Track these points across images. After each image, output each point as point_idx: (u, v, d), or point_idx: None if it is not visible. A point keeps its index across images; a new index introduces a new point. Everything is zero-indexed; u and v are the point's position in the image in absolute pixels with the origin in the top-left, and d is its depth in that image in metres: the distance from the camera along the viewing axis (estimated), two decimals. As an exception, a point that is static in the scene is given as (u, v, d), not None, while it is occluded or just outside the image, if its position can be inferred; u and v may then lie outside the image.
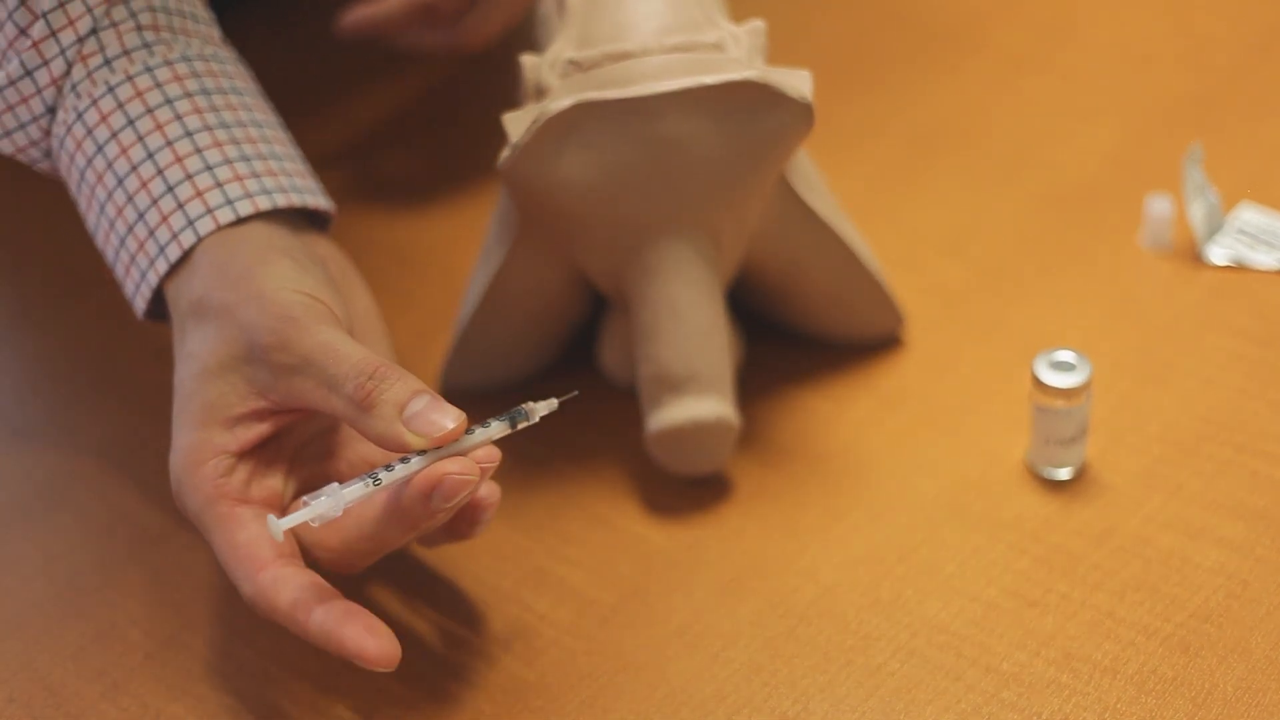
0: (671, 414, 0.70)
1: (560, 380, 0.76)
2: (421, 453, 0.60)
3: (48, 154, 0.69)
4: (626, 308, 0.73)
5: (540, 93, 0.70)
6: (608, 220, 0.69)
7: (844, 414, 0.76)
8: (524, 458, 0.75)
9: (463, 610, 0.69)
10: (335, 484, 0.60)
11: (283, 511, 0.64)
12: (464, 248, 0.85)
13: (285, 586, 0.61)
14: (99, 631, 0.70)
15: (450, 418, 0.60)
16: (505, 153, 0.68)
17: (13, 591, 0.72)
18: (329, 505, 0.59)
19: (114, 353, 0.83)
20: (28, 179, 0.95)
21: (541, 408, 0.64)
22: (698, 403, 0.70)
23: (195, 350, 0.64)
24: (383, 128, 0.96)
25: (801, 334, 0.78)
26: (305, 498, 0.59)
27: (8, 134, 0.69)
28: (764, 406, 0.76)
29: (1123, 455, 0.72)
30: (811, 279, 0.75)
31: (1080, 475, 0.71)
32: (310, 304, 0.63)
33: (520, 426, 0.63)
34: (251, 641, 0.69)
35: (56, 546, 0.73)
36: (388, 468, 0.60)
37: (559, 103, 0.66)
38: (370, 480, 0.60)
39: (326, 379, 0.61)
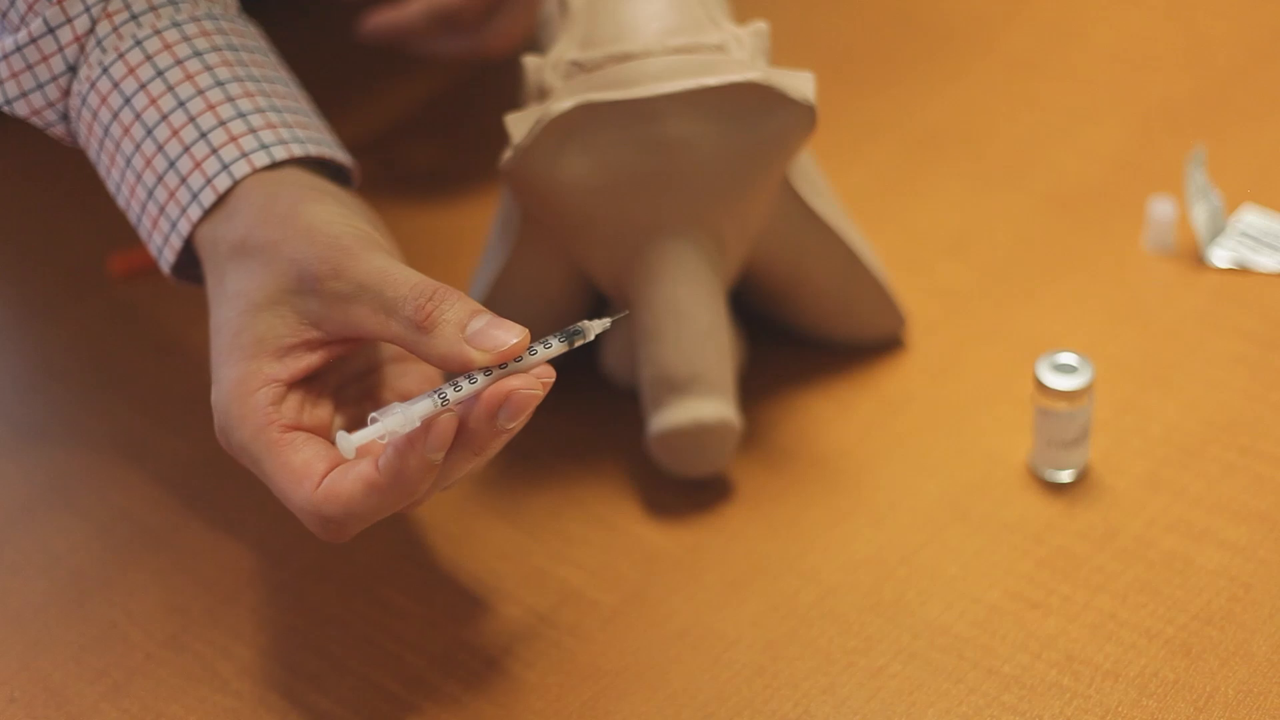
0: (674, 415, 0.70)
1: (561, 380, 0.76)
2: (486, 372, 0.60)
3: (64, 116, 0.69)
4: (629, 309, 0.73)
5: (543, 94, 0.70)
6: (610, 221, 0.69)
7: (846, 416, 0.76)
8: (526, 457, 0.75)
9: (464, 611, 0.69)
10: (400, 402, 0.59)
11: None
12: (469, 243, 0.85)
13: (344, 477, 0.60)
14: (100, 632, 0.70)
15: (514, 333, 0.60)
16: (508, 153, 0.68)
17: (14, 591, 0.72)
18: (399, 421, 0.58)
19: (116, 352, 0.83)
20: (29, 176, 0.95)
21: (596, 326, 0.63)
22: (700, 404, 0.70)
23: (240, 288, 0.64)
24: (398, 122, 0.96)
25: (804, 335, 0.78)
26: (374, 414, 0.59)
27: (24, 95, 0.68)
28: (766, 408, 0.76)
29: (1125, 458, 0.72)
30: (814, 281, 0.75)
31: (1082, 478, 0.71)
32: (360, 233, 0.63)
33: (577, 344, 0.63)
34: (252, 642, 0.69)
35: (58, 546, 0.73)
36: (454, 386, 0.59)
37: (561, 104, 0.66)
38: (438, 397, 0.59)
39: (384, 303, 0.60)
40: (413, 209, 0.89)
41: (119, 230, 0.87)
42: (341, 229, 0.63)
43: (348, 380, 0.66)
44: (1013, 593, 0.67)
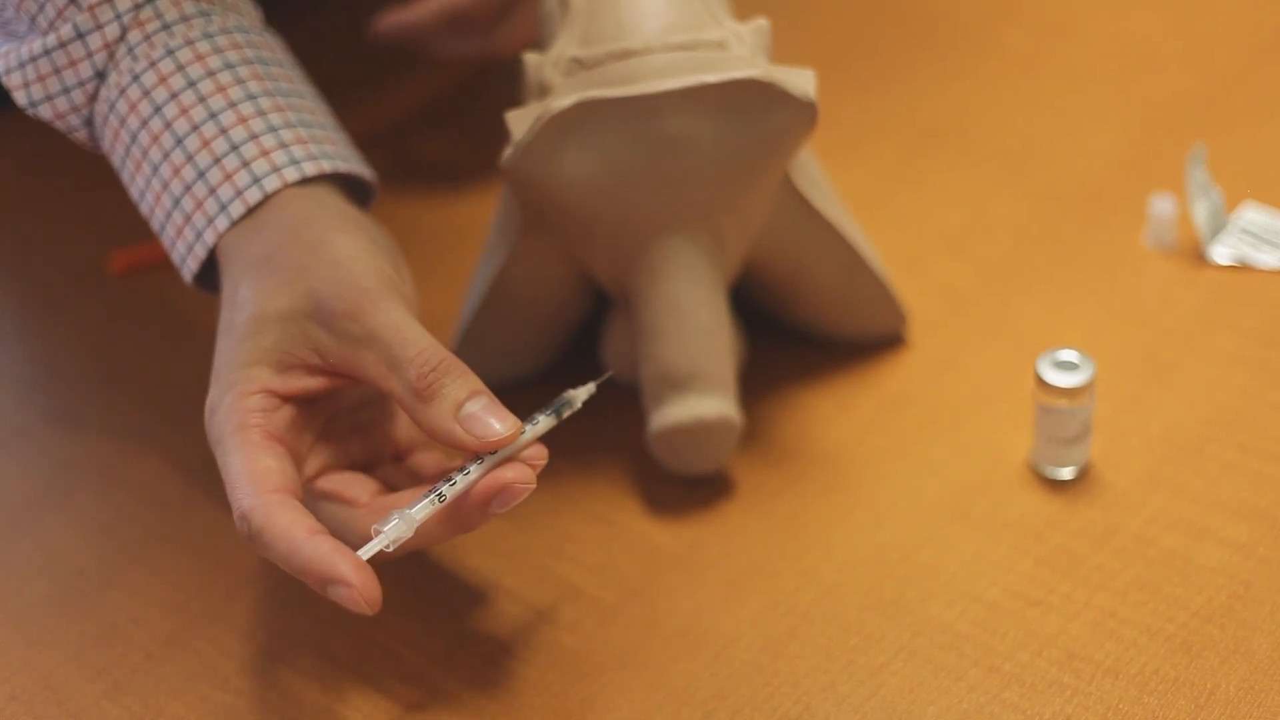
0: (674, 412, 0.70)
1: (562, 380, 0.76)
2: (477, 459, 0.61)
3: (88, 121, 0.69)
4: (629, 306, 0.73)
5: (543, 91, 0.70)
6: (610, 219, 0.69)
7: (847, 413, 0.76)
8: (526, 457, 0.75)
9: (463, 609, 0.69)
10: (397, 509, 0.60)
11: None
12: (476, 237, 0.85)
13: (290, 507, 0.60)
14: (101, 630, 0.70)
15: (505, 425, 0.61)
16: (508, 151, 0.68)
17: (15, 590, 0.72)
18: (402, 529, 0.60)
19: (116, 349, 0.83)
20: (30, 174, 0.95)
21: (581, 393, 0.65)
22: (700, 401, 0.70)
23: (253, 295, 0.64)
24: (406, 115, 0.96)
25: (805, 333, 0.78)
26: (375, 525, 0.60)
27: (49, 98, 0.69)
28: (767, 405, 0.76)
29: (1125, 455, 0.72)
30: (815, 278, 0.75)
31: (1083, 475, 0.71)
32: (383, 276, 0.64)
33: (565, 415, 0.65)
34: (252, 640, 0.69)
35: (58, 545, 0.73)
36: (448, 481, 0.61)
37: (562, 101, 0.66)
38: (435, 497, 0.61)
39: (390, 359, 0.62)
40: (420, 202, 0.89)
41: (119, 227, 0.87)
42: (366, 268, 0.64)
43: (334, 415, 0.67)
44: (1013, 590, 0.67)
